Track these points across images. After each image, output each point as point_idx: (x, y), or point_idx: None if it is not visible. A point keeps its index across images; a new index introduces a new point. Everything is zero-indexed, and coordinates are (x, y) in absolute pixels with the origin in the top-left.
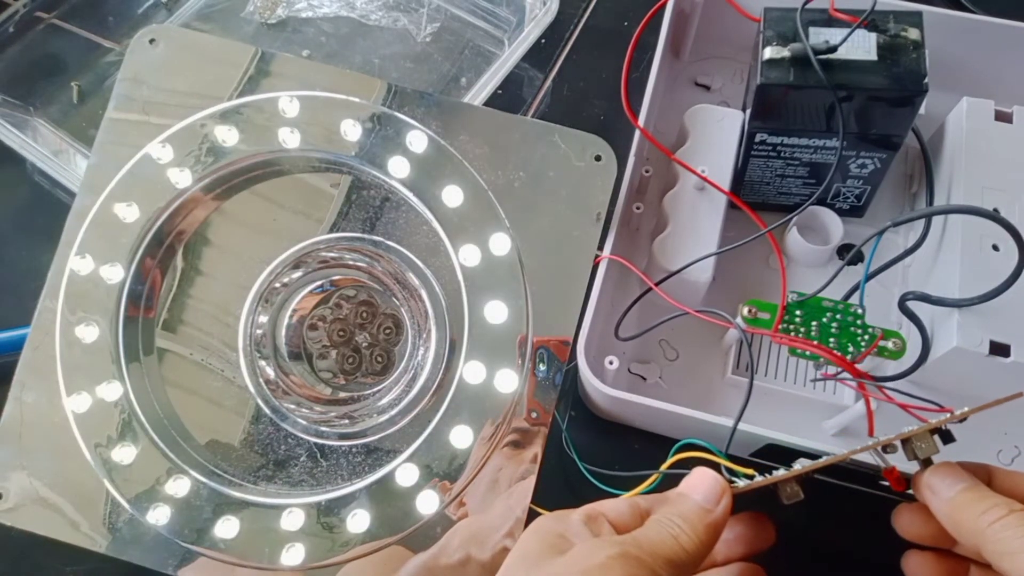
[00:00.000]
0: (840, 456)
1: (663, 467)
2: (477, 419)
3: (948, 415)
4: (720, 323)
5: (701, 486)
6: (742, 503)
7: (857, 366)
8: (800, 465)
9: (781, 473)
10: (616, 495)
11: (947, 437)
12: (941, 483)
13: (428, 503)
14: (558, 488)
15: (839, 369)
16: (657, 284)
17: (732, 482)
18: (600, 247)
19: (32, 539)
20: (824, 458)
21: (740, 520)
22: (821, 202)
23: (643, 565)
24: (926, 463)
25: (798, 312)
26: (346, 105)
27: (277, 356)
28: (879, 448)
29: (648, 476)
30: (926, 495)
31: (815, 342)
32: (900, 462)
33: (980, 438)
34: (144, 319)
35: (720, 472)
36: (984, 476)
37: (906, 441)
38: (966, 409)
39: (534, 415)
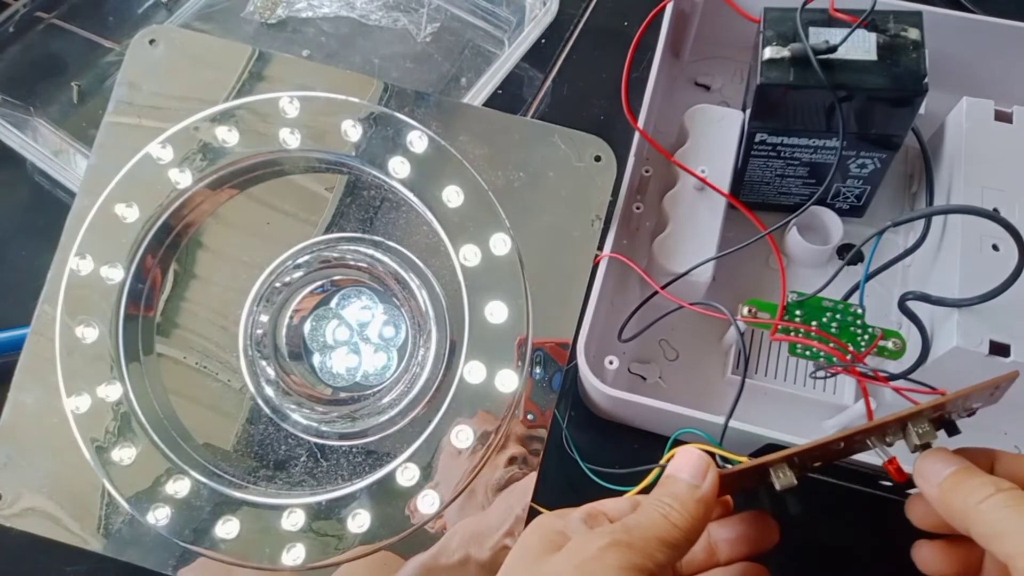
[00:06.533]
0: (832, 437)
1: (662, 461)
2: (477, 420)
3: (940, 396)
4: (714, 315)
5: (686, 465)
6: (745, 503)
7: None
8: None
9: (771, 456)
10: (618, 492)
11: (951, 429)
12: (931, 468)
13: (428, 504)
14: (560, 488)
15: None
16: (663, 287)
17: (723, 468)
18: (600, 247)
19: (31, 539)
20: (814, 439)
21: (744, 520)
22: (821, 202)
23: (634, 549)
24: (926, 448)
25: (798, 312)
26: (346, 105)
27: (277, 356)
28: (878, 436)
29: (648, 471)
30: (918, 482)
31: (814, 326)
32: (901, 455)
33: (980, 438)
34: (144, 317)
35: (714, 460)
36: (987, 461)
37: (906, 432)
38: (957, 390)
39: (530, 416)
